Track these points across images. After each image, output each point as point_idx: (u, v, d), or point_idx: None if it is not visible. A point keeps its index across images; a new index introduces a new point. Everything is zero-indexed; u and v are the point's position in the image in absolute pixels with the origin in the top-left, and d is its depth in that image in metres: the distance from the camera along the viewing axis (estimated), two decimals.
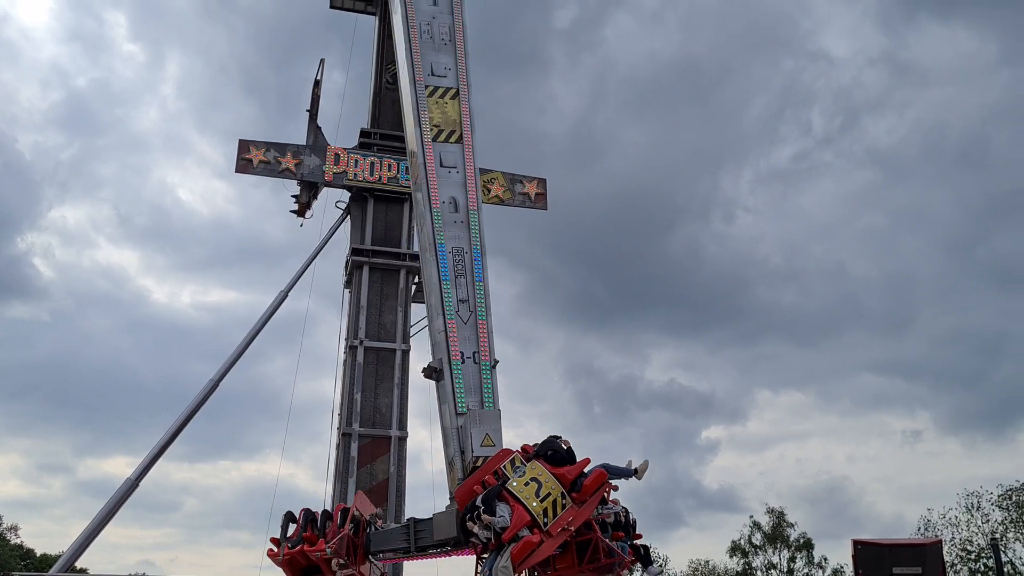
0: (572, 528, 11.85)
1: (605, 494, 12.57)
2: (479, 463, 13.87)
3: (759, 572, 45.83)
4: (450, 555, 14.20)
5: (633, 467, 12.93)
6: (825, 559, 46.97)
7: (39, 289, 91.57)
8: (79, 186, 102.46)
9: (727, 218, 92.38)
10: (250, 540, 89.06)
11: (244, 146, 25.00)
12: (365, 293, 24.61)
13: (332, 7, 28.82)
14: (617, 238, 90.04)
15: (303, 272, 24.44)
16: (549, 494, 12.00)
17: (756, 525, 46.69)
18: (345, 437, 23.05)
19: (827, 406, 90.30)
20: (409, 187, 25.69)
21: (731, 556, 46.55)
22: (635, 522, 13.64)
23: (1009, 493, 42.51)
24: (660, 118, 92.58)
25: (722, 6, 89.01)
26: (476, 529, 11.95)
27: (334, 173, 25.34)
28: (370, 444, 23.05)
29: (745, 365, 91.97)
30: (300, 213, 26.10)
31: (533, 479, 12.19)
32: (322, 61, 26.93)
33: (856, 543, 16.08)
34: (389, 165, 25.71)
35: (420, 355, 29.17)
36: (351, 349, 24.09)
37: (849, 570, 45.83)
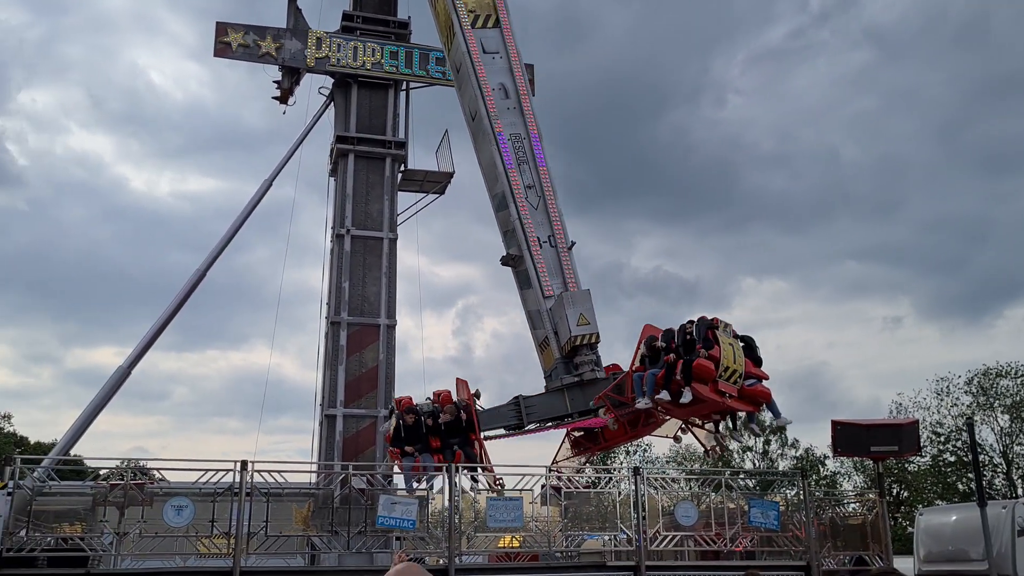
0: (728, 403, 14.09)
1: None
2: (579, 342, 15.33)
3: (735, 453, 47.49)
4: (559, 427, 16.38)
5: (784, 420, 15.49)
6: (797, 440, 48.72)
7: (14, 176, 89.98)
8: (46, 68, 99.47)
9: (718, 102, 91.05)
10: (239, 427, 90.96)
11: (222, 29, 24.19)
12: (351, 182, 24.33)
13: None
14: (602, 123, 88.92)
15: (287, 160, 24.10)
16: (736, 370, 13.94)
17: None
18: (334, 326, 23.22)
19: (808, 293, 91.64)
20: (393, 74, 25.11)
21: None
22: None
23: (972, 378, 43.88)
24: None
25: None
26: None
27: (316, 58, 24.64)
28: (358, 332, 23.26)
29: (731, 252, 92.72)
30: (283, 100, 25.48)
31: (732, 347, 14.07)
32: None
33: (835, 423, 16.21)
34: (373, 50, 25.00)
35: (406, 243, 29.11)
36: (338, 238, 24.00)
37: (821, 450, 47.59)
